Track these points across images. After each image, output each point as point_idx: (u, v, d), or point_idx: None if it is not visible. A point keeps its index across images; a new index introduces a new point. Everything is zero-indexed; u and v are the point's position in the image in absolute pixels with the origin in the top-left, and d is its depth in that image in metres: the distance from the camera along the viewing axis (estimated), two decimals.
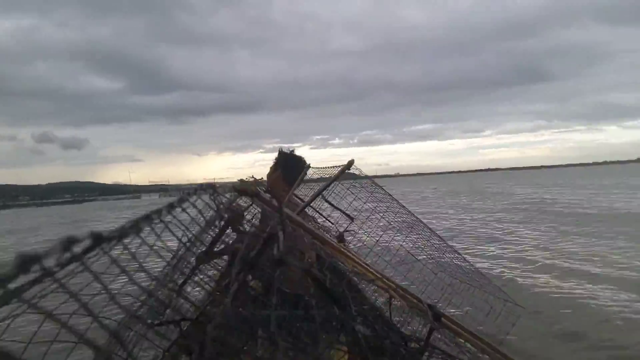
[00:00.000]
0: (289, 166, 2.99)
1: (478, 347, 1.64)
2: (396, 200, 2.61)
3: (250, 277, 1.79)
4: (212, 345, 1.01)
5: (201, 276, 1.46)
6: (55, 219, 38.37)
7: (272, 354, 1.11)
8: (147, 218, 0.98)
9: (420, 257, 2.43)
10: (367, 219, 2.44)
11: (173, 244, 1.14)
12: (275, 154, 3.05)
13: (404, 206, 2.62)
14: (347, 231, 2.70)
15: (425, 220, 2.85)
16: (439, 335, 1.60)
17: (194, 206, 1.16)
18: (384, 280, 1.22)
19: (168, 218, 1.11)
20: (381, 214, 2.35)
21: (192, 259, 1.40)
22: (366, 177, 2.64)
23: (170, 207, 1.04)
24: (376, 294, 2.21)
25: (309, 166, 3.56)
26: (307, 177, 3.51)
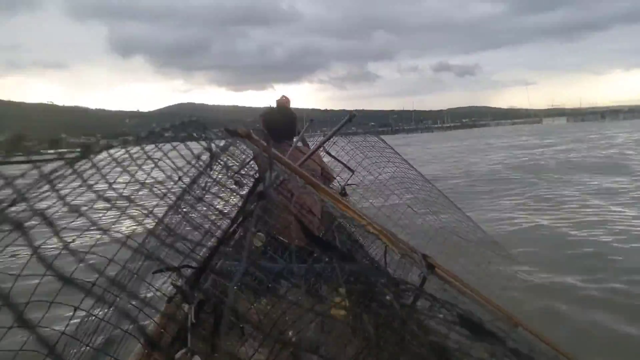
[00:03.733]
0: (274, 126, 2.83)
1: (471, 298, 1.66)
2: (399, 154, 2.59)
3: (254, 229, 1.79)
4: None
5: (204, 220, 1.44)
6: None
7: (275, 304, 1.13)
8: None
9: (421, 212, 2.43)
10: (368, 172, 2.42)
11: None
12: None
13: (406, 161, 2.60)
14: (349, 185, 2.70)
15: None
16: (434, 287, 1.62)
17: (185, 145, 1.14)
18: (375, 225, 1.21)
19: (158, 154, 1.09)
20: (382, 168, 2.33)
21: (189, 199, 1.38)
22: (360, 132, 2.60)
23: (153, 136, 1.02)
24: (372, 246, 2.23)
25: (312, 120, 3.52)
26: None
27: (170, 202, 1.26)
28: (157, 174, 1.05)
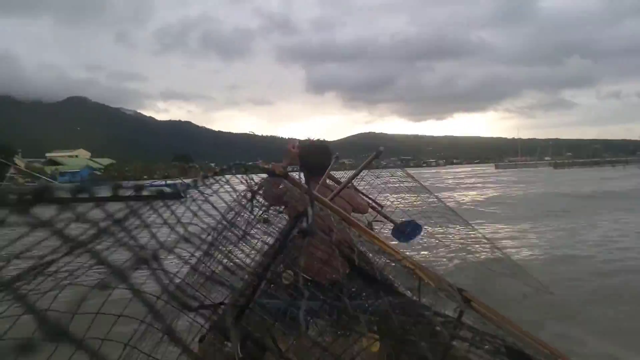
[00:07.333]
0: (310, 160, 2.91)
1: (509, 332, 1.62)
2: (427, 188, 2.61)
3: (282, 266, 1.82)
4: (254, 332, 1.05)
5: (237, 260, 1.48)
6: None
7: (307, 341, 1.15)
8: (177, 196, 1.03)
9: (452, 247, 2.42)
10: (396, 208, 2.45)
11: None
12: None
13: (435, 195, 2.61)
14: (376, 220, 2.71)
15: None
16: (470, 321, 1.60)
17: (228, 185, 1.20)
18: (411, 260, 1.23)
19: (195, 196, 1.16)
20: (410, 201, 2.36)
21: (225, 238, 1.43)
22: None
23: (195, 186, 1.08)
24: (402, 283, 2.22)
25: (337, 157, 3.58)
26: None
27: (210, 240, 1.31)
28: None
